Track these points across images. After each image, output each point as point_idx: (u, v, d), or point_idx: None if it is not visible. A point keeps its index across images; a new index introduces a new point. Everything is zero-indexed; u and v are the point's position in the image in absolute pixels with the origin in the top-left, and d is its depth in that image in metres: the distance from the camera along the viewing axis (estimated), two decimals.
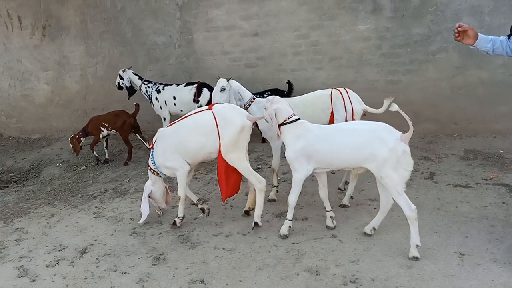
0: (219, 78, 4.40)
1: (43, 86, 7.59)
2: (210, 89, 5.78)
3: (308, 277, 3.06)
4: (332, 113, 4.17)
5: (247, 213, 4.04)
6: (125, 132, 5.84)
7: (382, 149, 3.13)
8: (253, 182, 3.77)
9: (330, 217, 3.72)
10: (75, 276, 3.48)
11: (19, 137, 7.93)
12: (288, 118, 3.47)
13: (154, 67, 6.87)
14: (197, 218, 4.18)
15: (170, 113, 6.06)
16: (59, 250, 3.89)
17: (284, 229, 3.62)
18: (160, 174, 4.07)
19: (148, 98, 6.17)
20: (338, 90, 4.23)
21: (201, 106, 5.82)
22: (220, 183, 3.82)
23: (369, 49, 5.86)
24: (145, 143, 5.77)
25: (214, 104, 3.93)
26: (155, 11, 6.62)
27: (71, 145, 5.86)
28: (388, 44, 5.77)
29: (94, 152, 6.03)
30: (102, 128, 5.84)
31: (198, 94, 5.89)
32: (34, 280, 3.47)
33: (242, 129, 3.66)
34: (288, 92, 5.92)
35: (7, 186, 5.79)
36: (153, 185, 4.13)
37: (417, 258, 3.12)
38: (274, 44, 6.20)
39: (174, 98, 5.97)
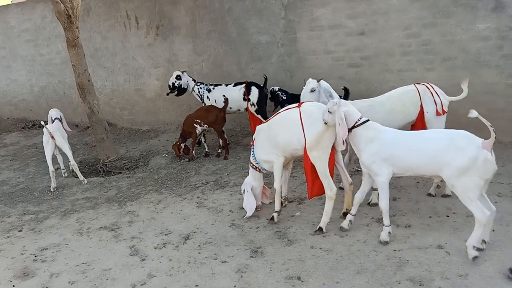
0: (309, 79, 4.49)
1: (153, 82, 8.30)
2: (258, 87, 6.30)
3: (410, 287, 2.99)
4: (421, 106, 4.25)
5: (345, 215, 4.05)
6: (218, 125, 6.16)
7: (459, 158, 3.09)
8: (324, 187, 3.84)
9: (350, 220, 3.85)
10: (180, 260, 3.80)
11: (131, 128, 8.76)
12: (359, 120, 3.51)
13: (256, 66, 7.14)
14: (294, 216, 4.29)
15: None
16: (165, 235, 4.28)
17: (384, 236, 3.59)
18: (262, 170, 4.28)
19: (200, 98, 6.67)
20: (424, 84, 4.34)
21: (252, 104, 6.25)
22: (307, 180, 3.95)
23: (489, 50, 5.46)
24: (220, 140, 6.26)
25: (303, 102, 4.05)
26: (260, 10, 6.87)
27: (174, 151, 6.39)
28: (510, 45, 5.33)
29: (193, 152, 6.39)
30: (195, 125, 6.23)
31: (247, 92, 6.28)
32: (143, 260, 3.87)
33: (327, 129, 3.71)
34: (344, 98, 5.75)
35: (120, 172, 6.46)
36: (254, 181, 4.34)
37: (476, 257, 3.13)
38: (381, 43, 6.07)
39: (224, 96, 6.38)
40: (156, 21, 7.92)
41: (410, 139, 3.40)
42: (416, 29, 5.80)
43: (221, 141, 6.34)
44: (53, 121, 6.01)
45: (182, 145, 6.40)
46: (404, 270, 3.19)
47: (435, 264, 3.21)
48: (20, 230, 4.73)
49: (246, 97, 6.30)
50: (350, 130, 3.54)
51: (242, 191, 4.41)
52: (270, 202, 4.58)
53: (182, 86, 6.71)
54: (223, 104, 6.31)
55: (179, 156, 6.33)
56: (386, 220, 3.55)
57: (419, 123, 4.30)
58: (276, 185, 4.17)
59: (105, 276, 3.67)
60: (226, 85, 6.56)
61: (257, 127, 4.32)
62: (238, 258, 3.69)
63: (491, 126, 3.03)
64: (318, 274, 3.30)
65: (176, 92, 6.74)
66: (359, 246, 3.59)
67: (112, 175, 6.36)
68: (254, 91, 6.28)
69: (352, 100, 4.30)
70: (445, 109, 4.28)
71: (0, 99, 10.90)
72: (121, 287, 3.49)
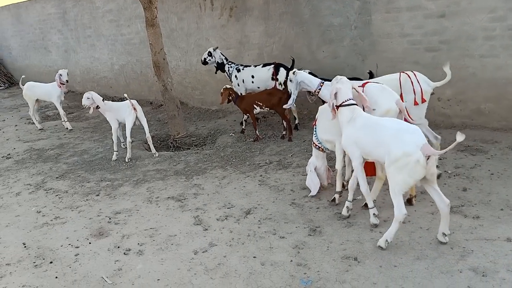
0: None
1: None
2: (286, 68, 6.64)
3: (472, 277, 2.92)
4: (401, 95, 4.34)
5: (410, 201, 3.99)
6: (281, 108, 6.16)
7: (396, 149, 3.23)
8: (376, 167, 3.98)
9: (346, 207, 4.00)
10: (240, 232, 3.99)
11: (200, 107, 9.14)
12: (346, 101, 3.71)
13: (328, 49, 7.10)
14: (355, 199, 4.30)
15: (246, 90, 6.96)
16: (227, 208, 4.50)
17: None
18: (325, 150, 4.35)
19: (228, 77, 7.18)
20: (406, 73, 4.48)
21: (280, 84, 6.58)
22: None
23: None
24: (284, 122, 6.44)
25: (367, 82, 4.18)
26: None
27: (222, 94, 6.52)
28: None
29: (257, 132, 6.55)
30: (255, 106, 6.40)
31: (276, 73, 6.67)
32: (206, 229, 4.11)
33: (387, 112, 3.84)
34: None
35: (189, 148, 6.82)
36: (317, 161, 4.43)
37: (381, 247, 3.39)
38: (462, 26, 5.76)
39: (252, 77, 6.84)
40: (230, 2, 8.12)
41: (370, 125, 3.56)
42: (502, 13, 5.43)
43: (284, 123, 6.45)
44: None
45: (231, 98, 6.51)
46: (467, 260, 3.12)
47: (501, 256, 3.10)
48: (98, 195, 5.20)
49: (274, 77, 6.67)
50: (337, 107, 3.77)
51: (307, 171, 4.52)
52: (330, 184, 4.63)
53: (218, 62, 7.23)
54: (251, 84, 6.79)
55: (222, 101, 6.55)
56: (370, 203, 3.80)
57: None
58: (338, 165, 4.22)
59: (170, 241, 3.96)
60: (255, 66, 6.97)
61: (320, 107, 4.39)
62: (296, 235, 3.80)
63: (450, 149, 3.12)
64: (376, 256, 3.32)
65: (216, 68, 7.34)
66: (421, 233, 3.55)
67: (181, 151, 6.72)
68: (282, 72, 6.63)
69: None
70: (425, 97, 4.42)
71: (84, 76, 11.85)
72: (185, 252, 3.75)
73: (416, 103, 4.38)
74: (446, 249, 3.28)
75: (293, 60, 6.64)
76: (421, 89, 4.39)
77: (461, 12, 5.73)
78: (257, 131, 6.56)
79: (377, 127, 3.47)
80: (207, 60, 7.31)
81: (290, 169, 5.30)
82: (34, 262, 3.83)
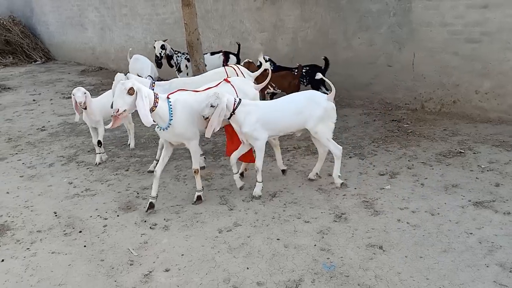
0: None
1: (257, 46, 8.54)
2: (234, 54, 7.46)
3: (499, 272, 2.87)
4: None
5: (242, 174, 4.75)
6: (291, 92, 6.30)
7: (318, 110, 4.16)
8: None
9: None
10: (265, 214, 4.02)
11: None
12: (235, 102, 4.06)
13: (364, 35, 6.98)
14: (384, 188, 4.26)
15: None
16: (254, 190, 4.53)
17: (257, 190, 4.34)
18: None
19: (175, 66, 7.44)
20: (231, 66, 5.36)
21: None
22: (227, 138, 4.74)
23: None
24: None
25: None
26: None
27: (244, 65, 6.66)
28: None
29: None
30: (269, 86, 6.56)
31: (226, 60, 7.32)
32: (231, 209, 4.17)
33: (255, 95, 4.66)
34: (324, 69, 6.38)
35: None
36: None
37: (343, 183, 4.35)
38: (505, 18, 5.54)
39: (205, 65, 6.93)
40: None
41: (279, 105, 4.27)
42: None
43: None
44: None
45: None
46: (495, 255, 3.06)
47: None
48: (127, 170, 5.34)
49: (225, 64, 7.07)
50: (231, 114, 4.07)
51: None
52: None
53: (168, 55, 7.39)
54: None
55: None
56: (260, 178, 4.32)
57: None
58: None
59: (195, 219, 4.04)
60: (204, 53, 7.20)
61: None
62: (321, 221, 3.81)
63: (331, 84, 4.27)
64: (402, 246, 3.30)
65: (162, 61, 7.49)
66: (449, 226, 3.49)
67: None
68: (232, 58, 7.35)
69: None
70: None
71: (118, 54, 12.06)
72: (209, 230, 3.82)
73: None
74: (474, 243, 3.22)
75: (239, 45, 7.44)
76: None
77: (505, 3, 5.52)
78: None
79: (289, 104, 4.25)
80: (162, 55, 7.36)
81: (317, 155, 5.27)
82: (64, 231, 3.98)
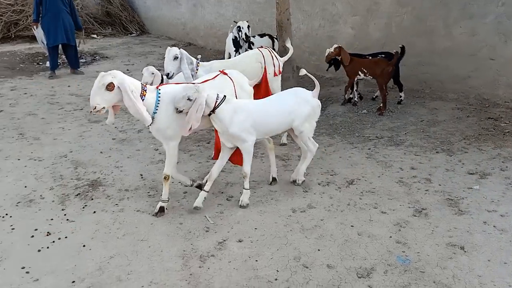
0: (171, 47, 4.75)
1: (347, 30, 8.36)
2: (277, 39, 7.09)
3: None
4: (265, 68, 5.05)
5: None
6: (383, 79, 6.22)
7: (306, 108, 4.02)
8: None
9: (204, 197, 3.95)
10: (340, 200, 4.02)
11: (315, 73, 9.01)
12: (217, 99, 3.66)
13: (466, 24, 6.53)
14: (472, 188, 4.05)
15: None
16: (330, 175, 4.53)
17: (244, 199, 3.98)
18: None
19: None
20: (266, 48, 5.27)
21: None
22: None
23: None
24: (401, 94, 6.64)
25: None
26: None
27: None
28: None
29: (345, 95, 6.80)
30: (359, 73, 6.36)
31: (272, 43, 7.50)
32: (306, 191, 4.21)
33: (251, 92, 4.44)
34: (399, 57, 6.21)
35: None
36: None
37: (304, 181, 4.31)
38: None
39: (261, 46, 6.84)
40: None
41: (268, 104, 3.97)
42: None
43: (380, 95, 6.43)
44: None
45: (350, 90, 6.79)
46: None
47: None
48: (208, 143, 5.56)
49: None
50: (211, 112, 3.67)
51: None
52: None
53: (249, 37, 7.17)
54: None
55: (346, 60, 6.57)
56: (247, 184, 3.99)
57: (264, 84, 5.03)
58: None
59: (270, 196, 4.14)
60: (253, 36, 7.24)
61: None
62: (399, 213, 3.72)
63: (316, 79, 4.15)
64: (485, 250, 3.13)
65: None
66: None
67: None
68: (276, 43, 7.19)
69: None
70: (281, 69, 5.22)
71: (207, 31, 12.45)
72: (283, 209, 3.90)
73: (275, 74, 5.16)
74: None
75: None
76: (278, 63, 5.18)
77: None
78: (345, 95, 6.82)
79: (277, 104, 4.00)
80: (248, 35, 7.06)
81: (402, 147, 5.11)
82: (148, 192, 4.29)
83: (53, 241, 3.51)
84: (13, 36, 12.92)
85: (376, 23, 7.79)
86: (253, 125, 3.81)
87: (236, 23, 7.23)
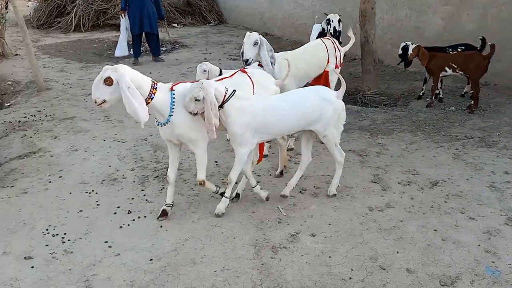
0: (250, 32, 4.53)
1: (436, 21, 7.86)
2: None
3: None
4: (328, 59, 5.00)
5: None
6: (478, 75, 5.71)
7: (329, 109, 3.61)
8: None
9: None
10: (422, 201, 3.80)
11: (397, 67, 8.68)
12: (226, 93, 3.37)
13: None
14: None
15: None
16: (412, 174, 4.30)
17: (220, 207, 3.67)
18: None
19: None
20: (329, 39, 5.17)
21: None
22: None
23: None
24: None
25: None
26: None
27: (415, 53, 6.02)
28: None
29: (433, 97, 6.21)
30: (446, 68, 5.82)
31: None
32: (384, 190, 4.04)
33: (276, 91, 4.03)
34: (479, 50, 5.85)
35: (377, 107, 6.63)
36: None
37: (335, 195, 3.90)
38: None
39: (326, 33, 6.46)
40: None
41: (283, 103, 3.58)
42: None
43: (473, 91, 5.91)
44: None
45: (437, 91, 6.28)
46: None
47: None
48: None
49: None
50: (220, 107, 3.38)
51: None
52: None
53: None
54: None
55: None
56: (228, 192, 3.67)
57: (324, 76, 4.97)
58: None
59: (345, 192, 4.02)
60: None
61: None
62: (489, 220, 3.44)
63: (343, 79, 3.88)
64: None
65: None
66: None
67: (369, 107, 6.58)
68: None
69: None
70: (341, 61, 5.18)
71: (285, 21, 12.38)
72: (359, 206, 3.78)
73: (336, 67, 5.04)
74: None
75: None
76: (340, 55, 5.11)
77: None
78: (433, 97, 6.22)
79: (293, 102, 3.62)
80: (338, 29, 6.46)
81: (495, 148, 4.73)
82: (222, 179, 4.35)
83: (133, 219, 3.68)
84: (101, 24, 13.72)
85: (469, 14, 7.25)
86: (260, 128, 3.50)
87: (327, 15, 6.90)
